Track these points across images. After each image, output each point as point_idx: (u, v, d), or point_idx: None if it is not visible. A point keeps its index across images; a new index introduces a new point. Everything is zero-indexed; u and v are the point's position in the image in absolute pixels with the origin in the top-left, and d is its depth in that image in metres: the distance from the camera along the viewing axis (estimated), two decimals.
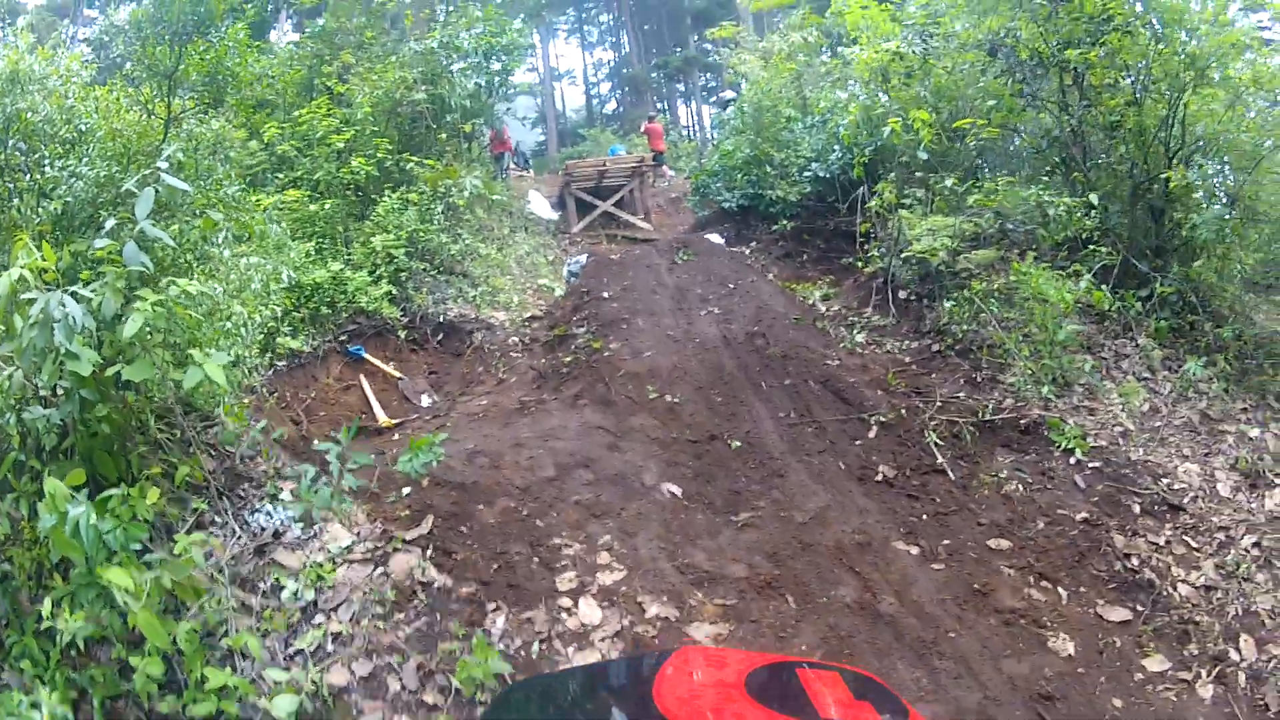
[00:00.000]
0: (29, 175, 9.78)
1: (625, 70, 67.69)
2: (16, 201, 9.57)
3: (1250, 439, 12.04)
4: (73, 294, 6.53)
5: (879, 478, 11.59)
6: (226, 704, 6.46)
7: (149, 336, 7.08)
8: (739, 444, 11.90)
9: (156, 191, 7.10)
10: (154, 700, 6.46)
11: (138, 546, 6.65)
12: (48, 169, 9.64)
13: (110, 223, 7.38)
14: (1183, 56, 13.82)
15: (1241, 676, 8.67)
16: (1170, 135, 14.30)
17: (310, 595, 7.65)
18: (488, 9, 24.86)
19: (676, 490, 10.65)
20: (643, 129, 37.49)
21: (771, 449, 11.89)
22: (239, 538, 7.92)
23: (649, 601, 8.54)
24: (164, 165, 7.29)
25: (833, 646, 8.32)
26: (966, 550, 10.32)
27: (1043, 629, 9.15)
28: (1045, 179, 16.33)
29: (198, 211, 9.09)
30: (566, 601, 8.36)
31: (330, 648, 7.26)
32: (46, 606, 6.19)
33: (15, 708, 5.72)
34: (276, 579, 7.71)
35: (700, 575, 9.19)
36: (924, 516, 10.95)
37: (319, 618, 7.52)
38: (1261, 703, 8.32)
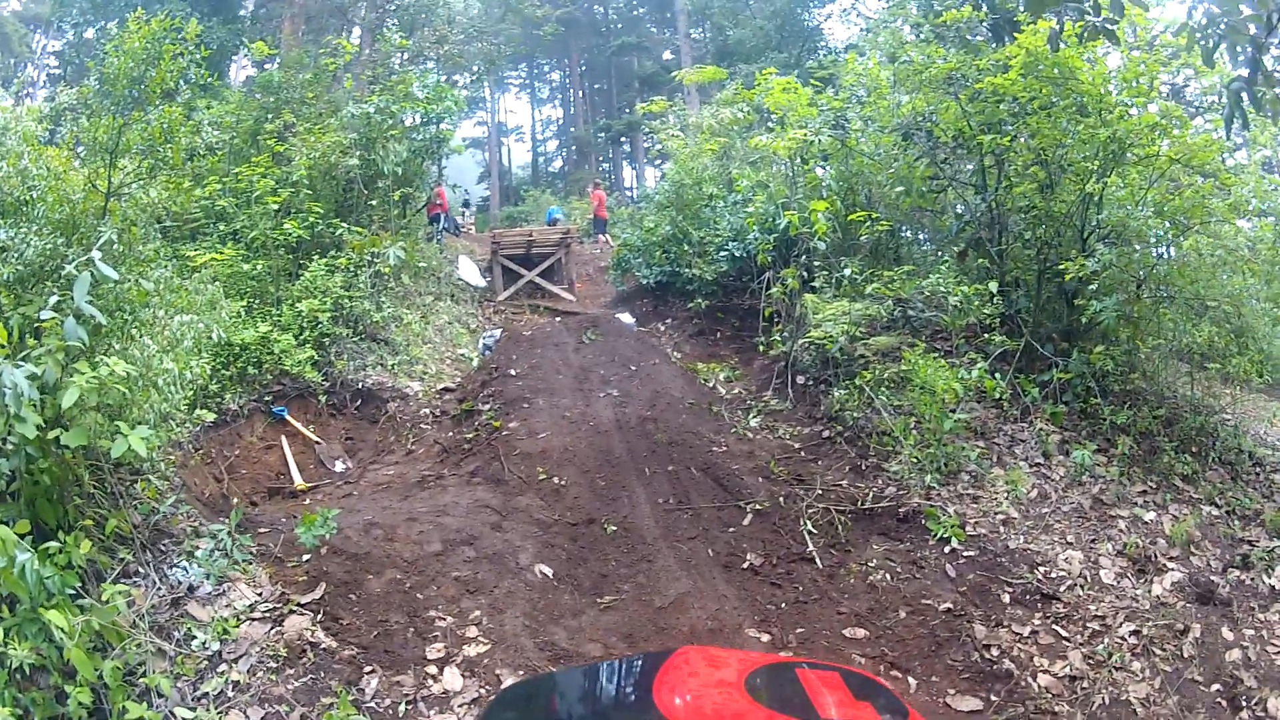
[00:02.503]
0: None
1: (571, 130, 68.22)
2: None
3: (1145, 522, 12.39)
4: (21, 363, 7.38)
5: (745, 565, 11.84)
6: None
7: (84, 402, 7.97)
8: (614, 528, 12.36)
9: (92, 276, 8.00)
10: None
11: (72, 591, 7.54)
12: (1, 233, 10.08)
13: (54, 299, 8.03)
14: (1100, 141, 14.34)
15: None
16: (1085, 220, 14.99)
17: (216, 646, 8.54)
18: (425, 74, 25.58)
19: (548, 571, 11.21)
20: (590, 195, 38.24)
21: (645, 534, 12.31)
22: (158, 589, 8.77)
23: (506, 674, 9.16)
24: (98, 254, 8.19)
25: None
26: (819, 638, 10.50)
27: None
28: (958, 261, 16.89)
29: (133, 281, 9.68)
30: (433, 669, 9.08)
31: (230, 694, 8.13)
32: (0, 633, 7.05)
33: None
34: (188, 629, 8.59)
35: (557, 652, 9.71)
36: (783, 605, 11.14)
37: (223, 666, 8.38)
38: None
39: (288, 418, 15.91)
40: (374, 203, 21.48)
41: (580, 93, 70.08)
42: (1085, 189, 14.78)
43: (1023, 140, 15.66)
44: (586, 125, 66.21)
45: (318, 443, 15.87)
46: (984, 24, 15.29)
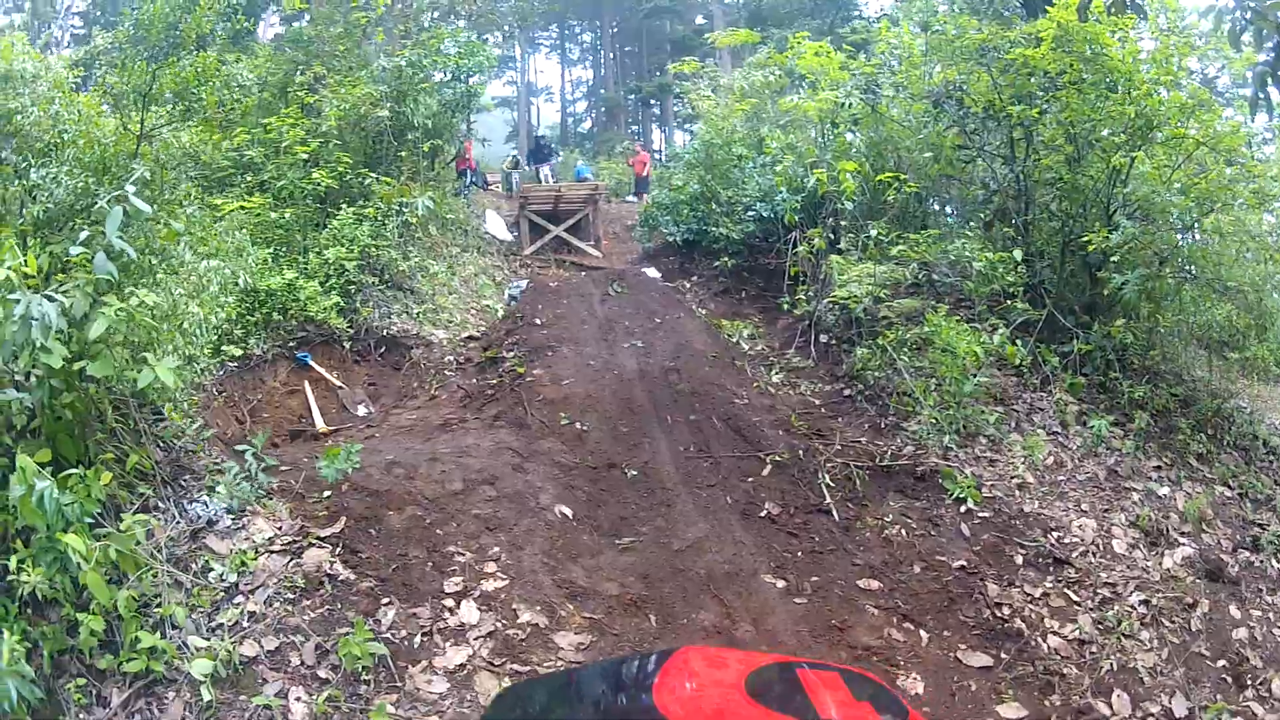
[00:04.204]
0: (18, 180, 10.29)
1: (601, 91, 68.13)
2: (3, 202, 10.40)
3: (1158, 497, 12.54)
4: (49, 296, 7.29)
5: (763, 514, 11.84)
6: (154, 664, 7.40)
7: (111, 336, 7.94)
8: (635, 473, 12.43)
9: (124, 211, 7.98)
10: (94, 657, 7.35)
11: (90, 520, 7.54)
12: (33, 174, 10.26)
13: (84, 234, 8.07)
14: (1129, 118, 14.48)
15: None
16: (1112, 194, 14.98)
17: (233, 578, 8.58)
18: (458, 30, 25.58)
19: (568, 511, 11.23)
20: (635, 158, 38.22)
21: (665, 480, 12.36)
22: (177, 522, 8.81)
23: (523, 609, 9.26)
24: (132, 189, 8.18)
25: None
26: (834, 588, 10.57)
27: (894, 667, 9.32)
28: (981, 231, 17.15)
29: (163, 221, 9.81)
30: (450, 603, 9.16)
31: (246, 624, 8.18)
32: (13, 562, 7.07)
33: None
34: (206, 561, 8.62)
35: (575, 590, 9.82)
36: (799, 553, 11.17)
37: (239, 598, 8.43)
38: None
39: (311, 363, 15.97)
40: (403, 154, 21.49)
41: (611, 54, 69.98)
42: (1112, 163, 14.78)
43: (1051, 114, 15.67)
44: (616, 87, 66.08)
45: (340, 387, 15.95)
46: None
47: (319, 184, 18.18)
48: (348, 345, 16.77)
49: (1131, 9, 8.62)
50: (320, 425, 14.54)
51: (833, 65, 19.81)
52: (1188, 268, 14.85)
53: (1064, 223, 16.02)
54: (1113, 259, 14.43)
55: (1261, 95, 7.27)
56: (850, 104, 19.03)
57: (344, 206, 18.34)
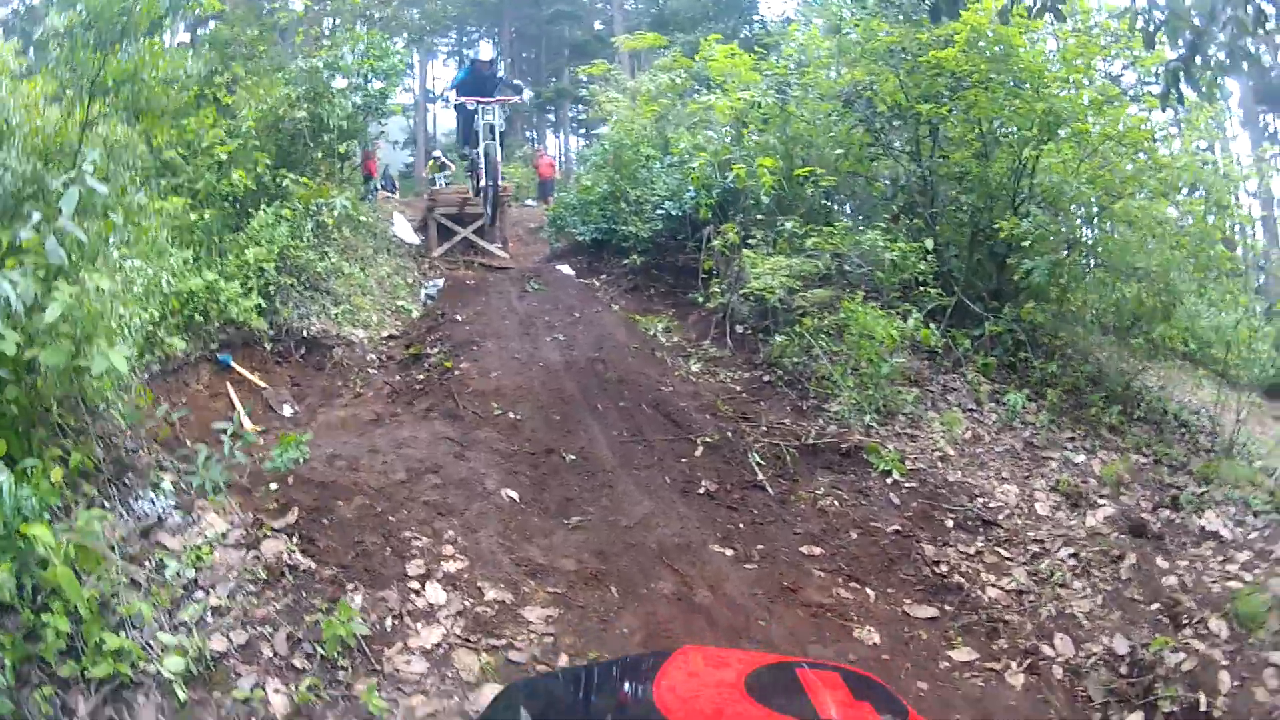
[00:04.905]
0: None
1: None
2: None
3: (1075, 464, 13.35)
4: (4, 277, 7.16)
5: (701, 491, 12.25)
6: (121, 666, 7.22)
7: (60, 324, 7.77)
8: (574, 457, 12.65)
9: (79, 193, 7.88)
10: (56, 665, 7.11)
11: (47, 516, 7.39)
12: None
13: (36, 216, 7.88)
14: (1038, 114, 15.07)
15: (1058, 670, 9.53)
16: (1017, 186, 15.73)
17: (191, 573, 8.48)
18: (371, 31, 25.44)
19: (515, 495, 11.44)
20: (536, 161, 39.32)
21: (603, 463, 12.64)
22: (125, 521, 8.73)
23: (488, 587, 9.41)
24: (89, 169, 8.15)
25: (652, 630, 9.14)
26: (779, 554, 11.03)
27: (849, 621, 9.81)
28: (890, 224, 17.57)
29: (100, 213, 9.59)
30: (415, 585, 9.24)
31: (210, 619, 8.11)
32: None
33: None
34: (160, 559, 8.50)
35: (534, 567, 10.00)
36: (741, 525, 11.62)
37: (199, 593, 8.33)
38: (1084, 695, 9.24)
39: (233, 365, 15.79)
40: (318, 155, 21.44)
41: (509, 60, 69.83)
42: (1021, 156, 15.69)
43: (959, 112, 16.46)
44: None
45: (264, 388, 15.77)
46: (925, 3, 15.80)
47: (238, 185, 17.82)
48: (269, 346, 16.62)
49: (1050, 11, 8.94)
50: (248, 426, 14.25)
51: (744, 67, 20.28)
52: (1094, 256, 15.49)
53: (972, 214, 16.78)
54: (1023, 244, 15.16)
55: (1173, 90, 7.60)
56: (762, 104, 19.49)
57: (262, 207, 18.13)
